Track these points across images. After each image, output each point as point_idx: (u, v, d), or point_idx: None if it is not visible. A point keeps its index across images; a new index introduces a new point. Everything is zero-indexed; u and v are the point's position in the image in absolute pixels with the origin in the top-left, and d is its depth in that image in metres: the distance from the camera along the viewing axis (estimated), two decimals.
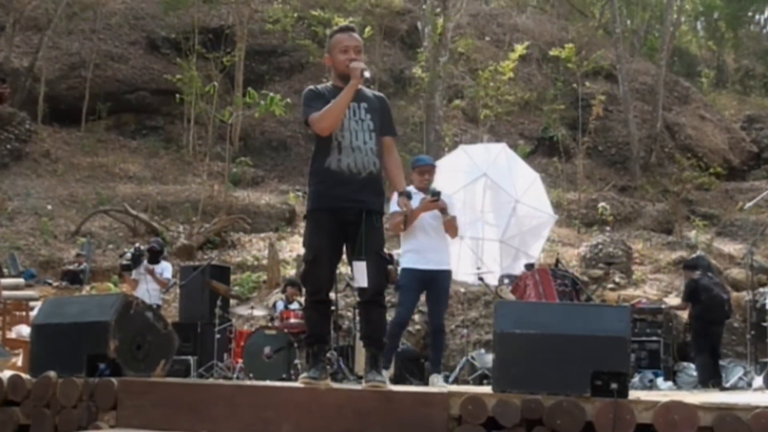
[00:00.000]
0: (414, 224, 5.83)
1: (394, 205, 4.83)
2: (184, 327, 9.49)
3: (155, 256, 9.39)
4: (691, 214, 19.32)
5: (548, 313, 3.90)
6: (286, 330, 8.58)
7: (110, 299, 4.48)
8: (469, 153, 12.10)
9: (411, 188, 5.63)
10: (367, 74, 4.07)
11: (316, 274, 4.18)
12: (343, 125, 4.15)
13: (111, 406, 3.98)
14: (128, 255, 9.23)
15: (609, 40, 24.85)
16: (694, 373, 9.01)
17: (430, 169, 6.11)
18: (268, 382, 5.54)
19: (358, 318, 8.10)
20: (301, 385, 3.99)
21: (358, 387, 4.22)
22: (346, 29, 4.36)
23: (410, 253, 6.03)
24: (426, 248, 5.95)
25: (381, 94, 4.51)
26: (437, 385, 5.55)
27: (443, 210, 5.87)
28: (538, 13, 29.52)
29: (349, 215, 4.11)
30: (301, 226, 17.39)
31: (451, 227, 5.94)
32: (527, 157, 18.24)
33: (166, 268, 9.51)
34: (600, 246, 14.26)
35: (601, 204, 17.79)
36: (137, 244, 10.21)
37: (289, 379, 7.60)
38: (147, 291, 8.88)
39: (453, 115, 21.54)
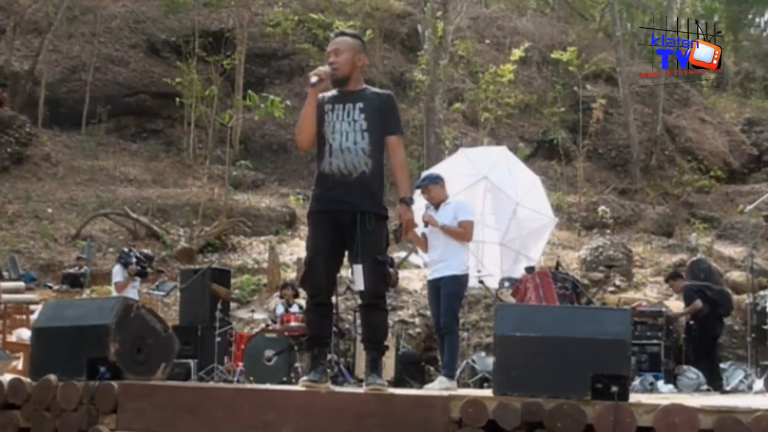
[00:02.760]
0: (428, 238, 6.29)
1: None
2: (185, 330, 9.49)
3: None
4: (692, 217, 19.32)
5: (549, 316, 3.90)
6: (286, 333, 8.58)
7: (110, 302, 4.47)
8: (470, 156, 12.06)
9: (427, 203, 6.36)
10: (313, 80, 4.12)
11: (313, 276, 4.21)
12: (335, 128, 4.20)
13: (111, 410, 3.98)
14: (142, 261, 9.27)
15: (609, 43, 24.84)
16: (695, 376, 9.00)
17: (423, 189, 6.42)
18: (268, 386, 5.53)
19: (358, 321, 8.11)
20: (302, 389, 3.99)
21: (359, 390, 4.21)
22: (336, 35, 4.43)
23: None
24: (432, 260, 6.32)
25: (386, 92, 4.47)
26: (438, 386, 5.55)
27: (426, 225, 6.18)
28: (538, 16, 29.49)
29: (343, 217, 4.14)
30: (302, 229, 17.37)
31: (449, 233, 6.15)
32: (527, 160, 18.23)
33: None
34: (600, 249, 14.26)
35: (602, 207, 17.78)
36: (130, 250, 10.13)
37: (289, 383, 7.60)
38: (136, 295, 8.88)
39: (453, 118, 21.52)
